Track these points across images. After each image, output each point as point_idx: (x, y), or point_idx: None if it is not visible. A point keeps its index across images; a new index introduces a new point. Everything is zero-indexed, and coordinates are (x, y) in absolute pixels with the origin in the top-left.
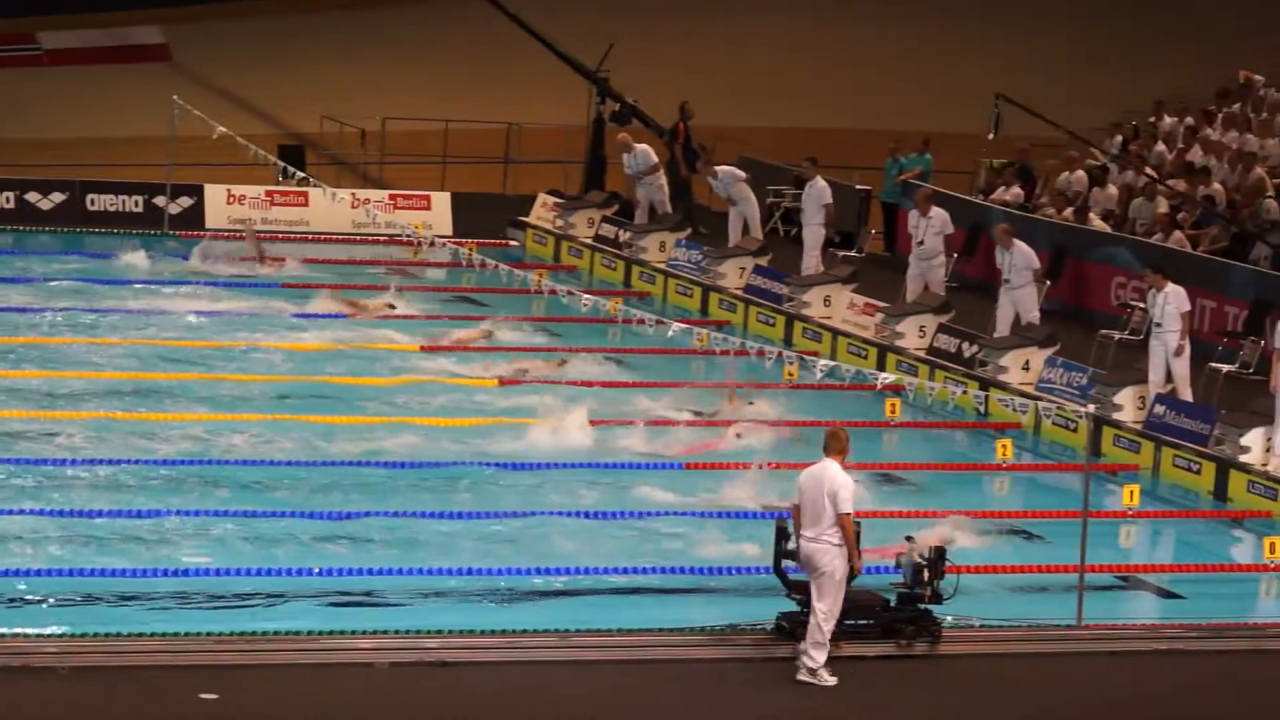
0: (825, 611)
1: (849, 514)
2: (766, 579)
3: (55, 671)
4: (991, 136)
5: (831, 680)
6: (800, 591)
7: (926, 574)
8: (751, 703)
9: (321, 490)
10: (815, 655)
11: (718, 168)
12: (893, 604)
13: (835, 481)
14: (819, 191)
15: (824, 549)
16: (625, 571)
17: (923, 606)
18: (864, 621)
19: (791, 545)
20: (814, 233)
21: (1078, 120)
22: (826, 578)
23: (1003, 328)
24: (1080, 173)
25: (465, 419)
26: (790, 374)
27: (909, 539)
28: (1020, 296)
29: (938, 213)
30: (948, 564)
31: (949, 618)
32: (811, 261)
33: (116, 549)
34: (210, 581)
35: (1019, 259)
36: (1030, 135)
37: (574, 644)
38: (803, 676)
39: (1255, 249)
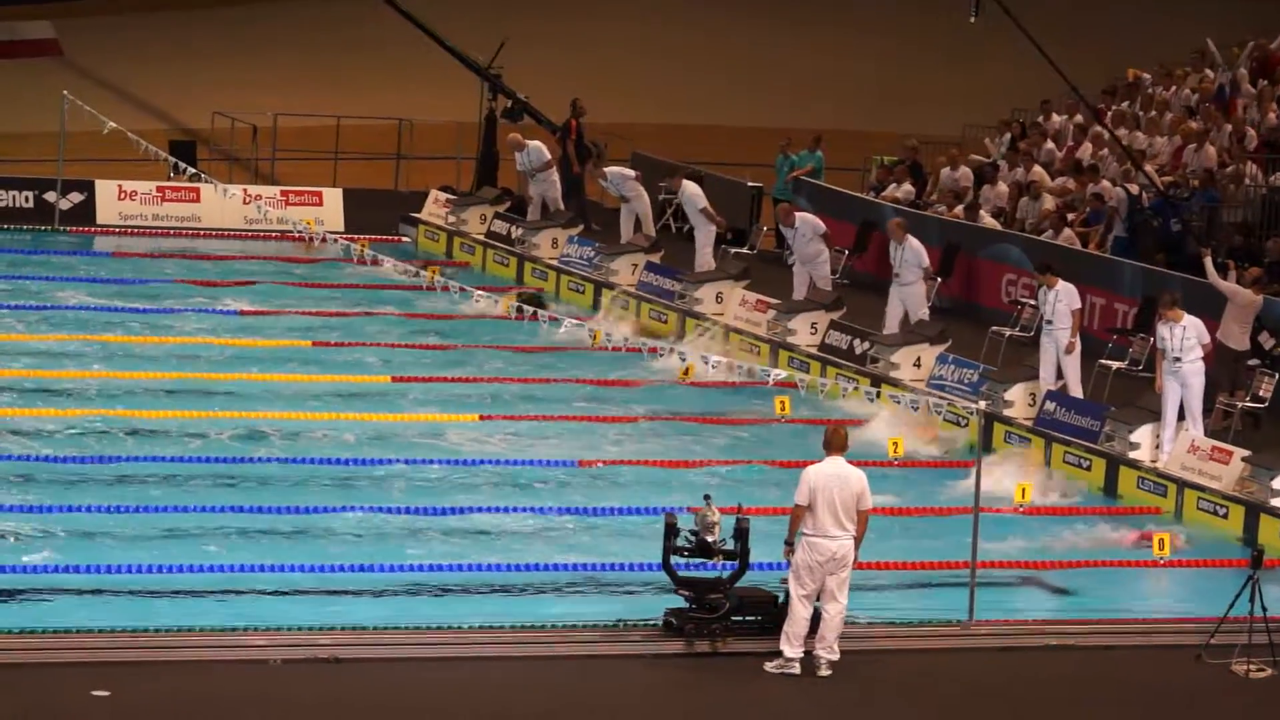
0: (845, 605)
1: (869, 510)
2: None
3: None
4: (973, 20)
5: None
6: (688, 588)
7: None
8: (643, 700)
9: (221, 485)
10: (836, 648)
11: (607, 169)
12: (781, 600)
13: (861, 480)
14: (691, 197)
15: (849, 545)
16: (513, 569)
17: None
18: (753, 618)
19: (797, 543)
20: (703, 233)
21: (966, 117)
22: (847, 572)
23: (891, 324)
24: (965, 169)
25: (364, 414)
26: (685, 371)
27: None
28: (909, 293)
29: (802, 219)
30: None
31: None
32: (703, 259)
33: (7, 544)
34: (104, 578)
35: (910, 255)
36: (921, 133)
37: (471, 640)
38: (824, 671)
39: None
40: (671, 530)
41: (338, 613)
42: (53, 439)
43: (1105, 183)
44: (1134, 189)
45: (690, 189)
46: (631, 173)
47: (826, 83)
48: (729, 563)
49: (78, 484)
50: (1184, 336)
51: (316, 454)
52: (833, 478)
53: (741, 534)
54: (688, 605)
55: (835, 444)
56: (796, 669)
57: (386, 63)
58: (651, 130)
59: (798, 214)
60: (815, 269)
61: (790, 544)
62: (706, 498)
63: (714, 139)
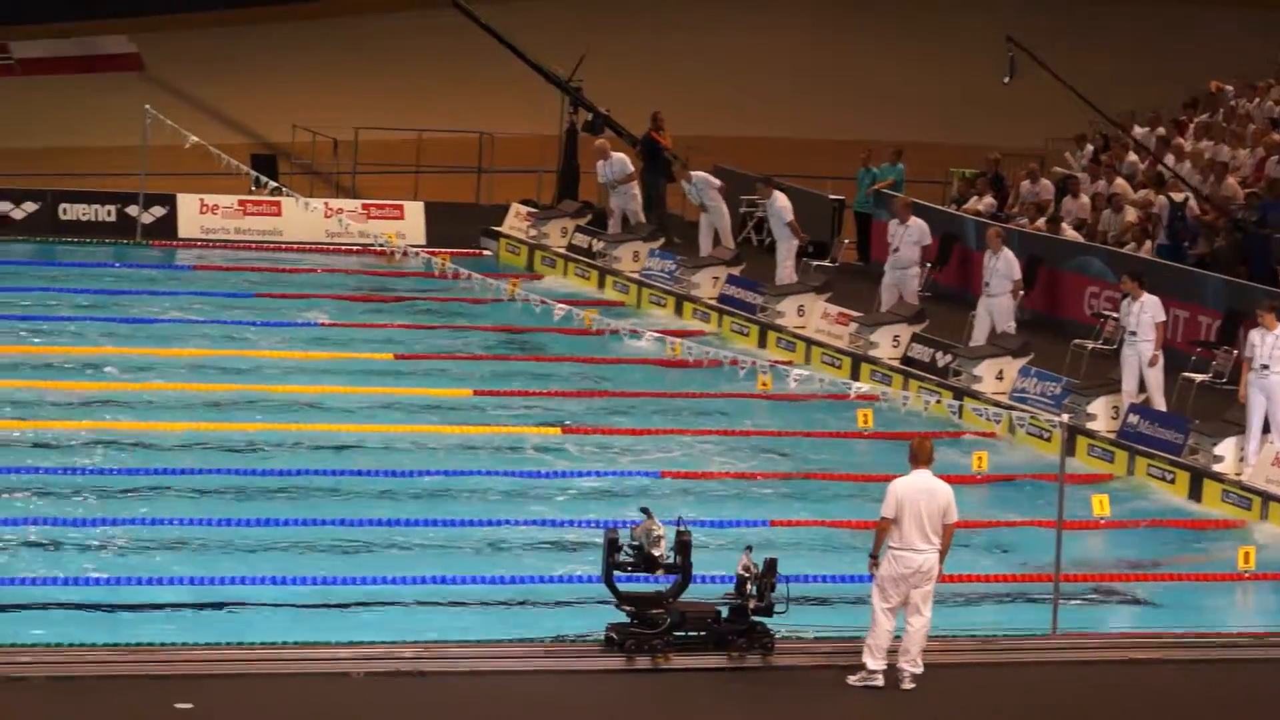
0: (929, 619)
1: (955, 523)
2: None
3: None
4: (1007, 80)
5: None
6: (630, 603)
7: (748, 586)
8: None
9: (303, 497)
10: (920, 661)
11: (693, 173)
12: (724, 615)
13: (948, 493)
14: (779, 209)
15: (935, 559)
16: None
17: (756, 619)
18: (695, 633)
19: (882, 556)
20: (785, 245)
21: (1048, 129)
22: (931, 586)
23: (979, 336)
24: (1046, 181)
25: (446, 427)
26: (764, 384)
27: (748, 549)
28: (997, 305)
29: (916, 222)
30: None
31: (782, 630)
32: (785, 272)
33: (93, 557)
34: (187, 591)
35: (1003, 266)
36: (1003, 145)
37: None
38: (908, 685)
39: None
40: (613, 545)
41: (421, 626)
42: (136, 451)
43: (1146, 191)
44: (1178, 196)
45: (779, 200)
46: (717, 182)
47: (908, 95)
48: (671, 575)
49: (159, 497)
50: (1275, 345)
51: (399, 466)
52: (920, 491)
53: (684, 547)
54: (629, 621)
55: (922, 457)
56: (880, 681)
57: (467, 76)
58: (732, 143)
59: (914, 217)
60: (905, 282)
61: (875, 557)
62: (646, 510)
63: (795, 152)
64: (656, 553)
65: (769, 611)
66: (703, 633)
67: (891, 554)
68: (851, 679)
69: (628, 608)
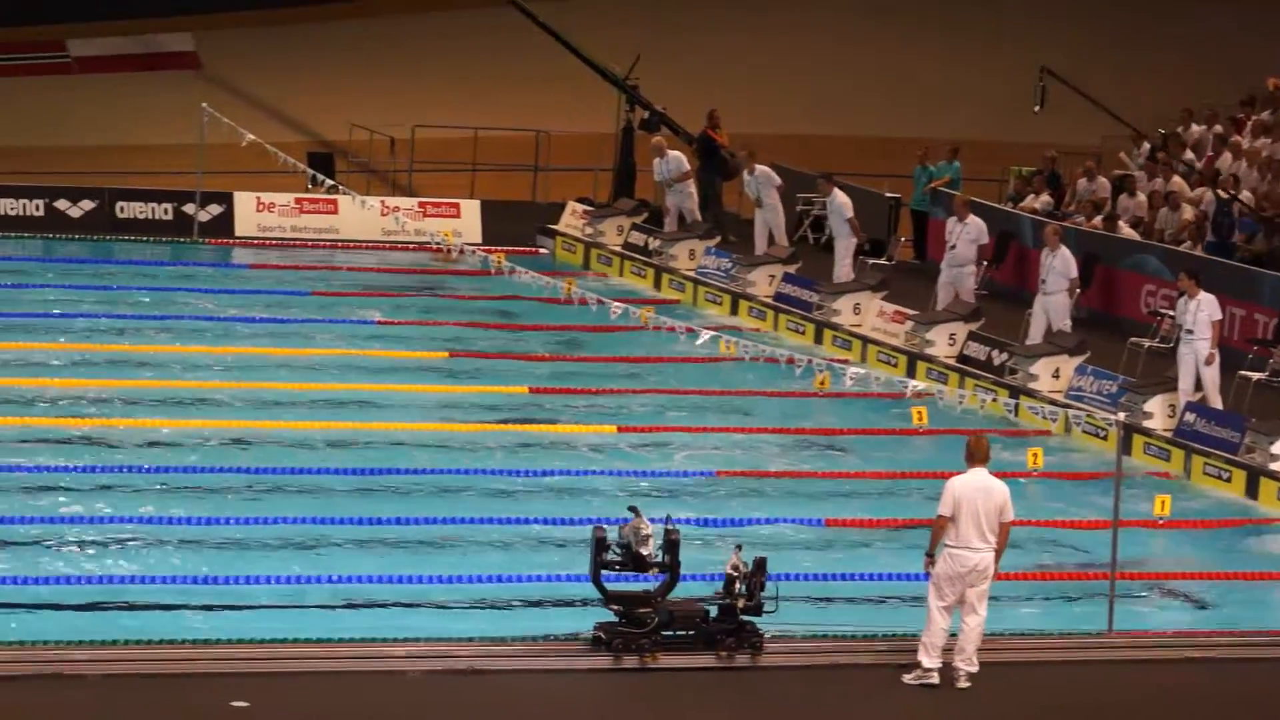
0: (985, 617)
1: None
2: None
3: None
4: (1037, 109)
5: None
6: (618, 602)
7: (737, 585)
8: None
9: (359, 495)
10: (976, 660)
11: (758, 165)
12: (712, 615)
13: (1004, 492)
14: (839, 206)
15: (990, 557)
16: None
17: (745, 618)
18: (684, 633)
19: (939, 555)
20: (843, 243)
21: (1105, 127)
22: (987, 585)
23: (1035, 334)
24: (1102, 179)
25: (501, 425)
26: (820, 382)
27: (738, 548)
28: (1053, 303)
29: (974, 220)
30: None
31: (771, 629)
32: (843, 270)
33: (147, 555)
34: (243, 590)
35: (1060, 264)
36: (1059, 143)
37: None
38: (963, 684)
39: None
40: (601, 544)
41: (476, 624)
42: (195, 450)
43: (1247, 193)
44: (1225, 194)
45: (839, 197)
46: (777, 180)
47: (964, 93)
48: (661, 574)
49: (218, 495)
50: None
51: (454, 465)
52: (977, 489)
53: (672, 546)
54: (617, 620)
55: (978, 455)
56: (935, 679)
57: (524, 74)
58: (788, 141)
59: (972, 215)
60: (961, 280)
61: (931, 555)
62: (634, 509)
63: (851, 150)
64: (645, 552)
65: (758, 610)
66: (691, 632)
67: (948, 552)
68: (906, 677)
69: (615, 607)
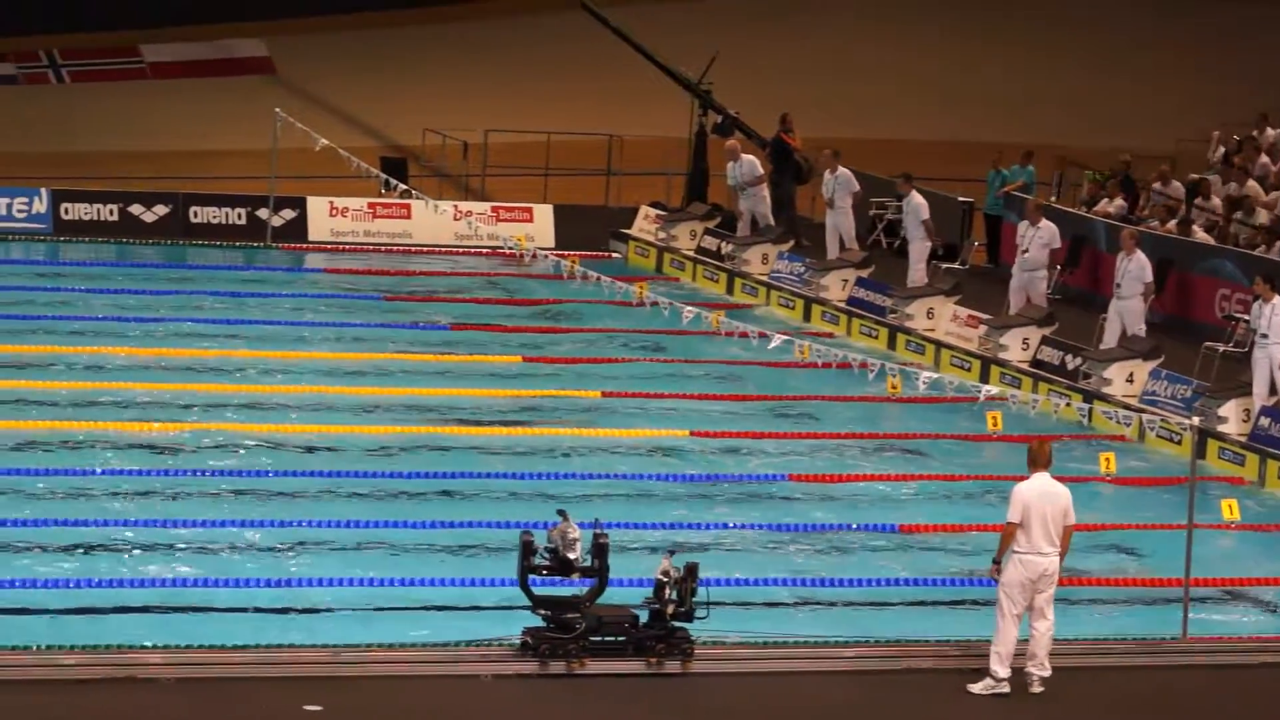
0: (1053, 622)
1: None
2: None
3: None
4: None
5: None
6: (546, 607)
7: (667, 590)
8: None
9: (432, 499)
10: (1048, 664)
11: (841, 168)
12: (642, 621)
13: (1067, 496)
14: (916, 207)
15: (1057, 562)
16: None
17: (676, 624)
18: (613, 638)
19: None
20: (918, 246)
21: (1182, 131)
22: (1053, 589)
23: (1110, 339)
24: (1177, 183)
25: (574, 429)
26: (893, 386)
27: (670, 553)
28: (1127, 308)
29: (1046, 225)
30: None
31: (703, 636)
32: (917, 274)
33: (225, 560)
34: (317, 593)
35: (1135, 268)
36: (1134, 148)
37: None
38: (1037, 689)
39: None
40: (529, 548)
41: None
42: (267, 453)
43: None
44: None
45: (917, 198)
46: (856, 185)
47: (1037, 97)
48: (587, 579)
49: (287, 498)
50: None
51: (526, 469)
52: (1043, 495)
53: (600, 550)
54: (545, 625)
55: (1041, 460)
56: (1007, 689)
57: (596, 78)
58: (861, 146)
59: (1045, 219)
60: (1033, 285)
61: (998, 562)
62: (562, 513)
63: (924, 154)
64: (572, 556)
65: (689, 616)
66: (621, 638)
67: (1017, 558)
68: (974, 688)
69: (543, 611)
